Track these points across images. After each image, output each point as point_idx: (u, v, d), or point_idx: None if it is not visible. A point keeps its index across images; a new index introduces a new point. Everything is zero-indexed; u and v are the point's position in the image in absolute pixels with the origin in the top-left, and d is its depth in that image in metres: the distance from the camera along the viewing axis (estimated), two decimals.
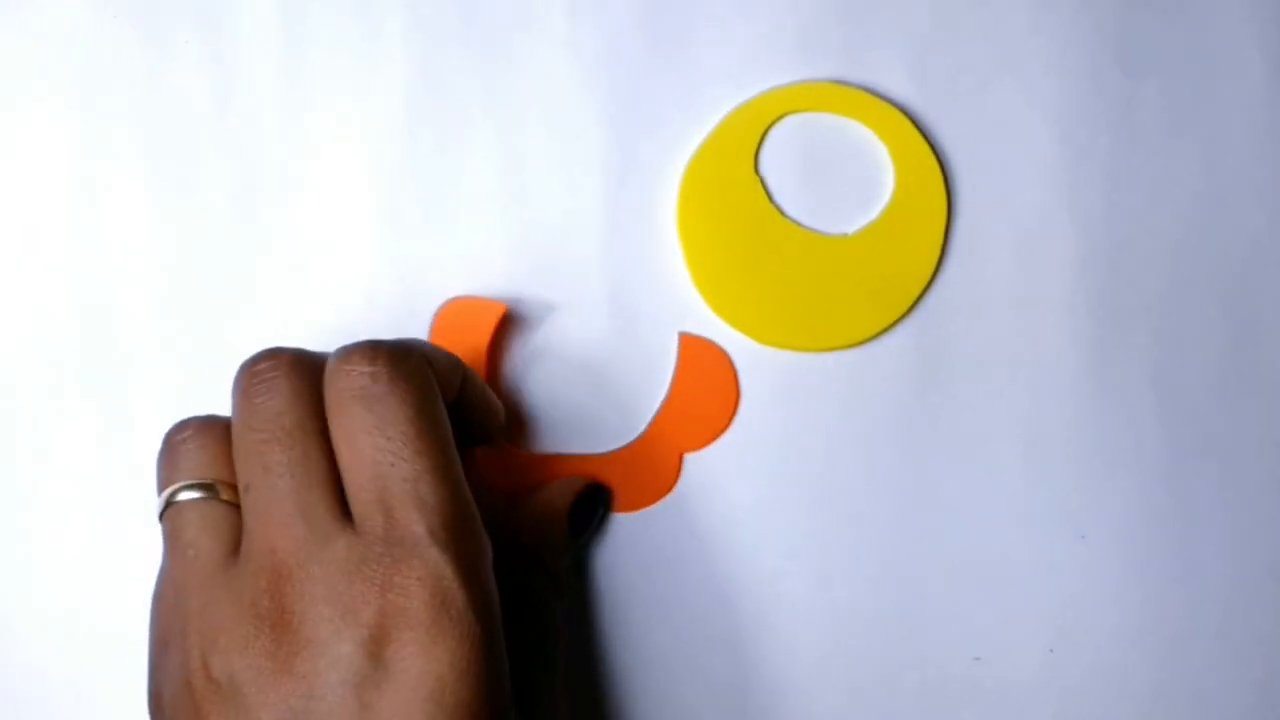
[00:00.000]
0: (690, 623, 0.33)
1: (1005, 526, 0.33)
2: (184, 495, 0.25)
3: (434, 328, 0.32)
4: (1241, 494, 0.33)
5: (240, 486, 0.25)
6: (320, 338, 0.32)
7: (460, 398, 0.28)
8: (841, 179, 0.33)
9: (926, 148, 0.33)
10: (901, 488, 0.33)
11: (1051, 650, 0.33)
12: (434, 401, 0.25)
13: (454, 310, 0.31)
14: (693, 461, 0.33)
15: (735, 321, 0.33)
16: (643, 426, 0.33)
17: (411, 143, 0.33)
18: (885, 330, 0.33)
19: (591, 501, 0.32)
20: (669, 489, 0.32)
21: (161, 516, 0.26)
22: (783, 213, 0.33)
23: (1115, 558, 0.33)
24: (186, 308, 0.32)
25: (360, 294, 0.32)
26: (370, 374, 0.24)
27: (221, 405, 0.31)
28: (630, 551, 0.33)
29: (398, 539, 0.24)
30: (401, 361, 0.25)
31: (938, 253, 0.33)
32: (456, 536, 0.24)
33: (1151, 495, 0.33)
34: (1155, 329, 0.33)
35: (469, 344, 0.31)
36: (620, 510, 0.32)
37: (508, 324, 0.32)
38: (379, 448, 0.24)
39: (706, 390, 0.32)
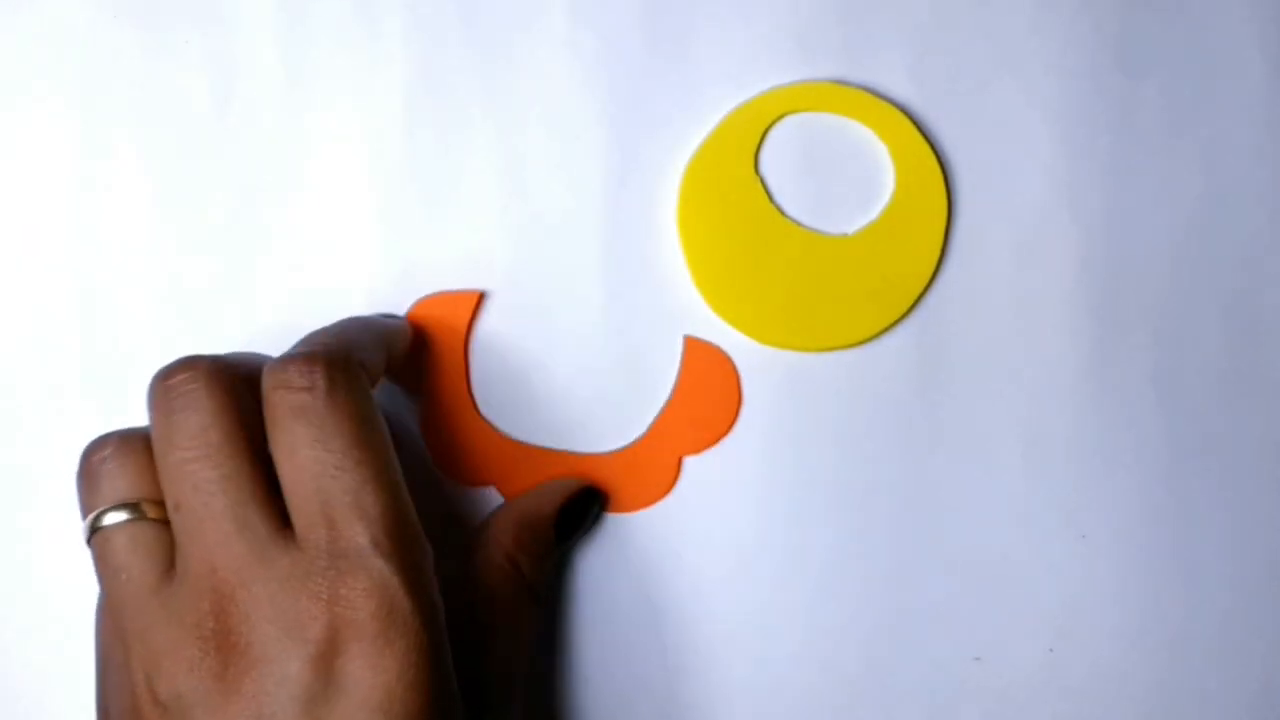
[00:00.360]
0: (686, 624, 0.33)
1: (1005, 526, 0.33)
2: (109, 519, 0.25)
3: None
4: (1241, 494, 0.33)
5: (169, 506, 0.24)
6: None
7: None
8: (841, 179, 0.33)
9: (926, 148, 0.33)
10: (901, 488, 0.33)
11: (1051, 650, 0.33)
12: (371, 408, 0.25)
13: (427, 307, 0.32)
14: (691, 462, 0.33)
15: (735, 321, 0.33)
16: (642, 427, 0.33)
17: (411, 143, 0.33)
18: (885, 330, 0.33)
19: (584, 504, 0.31)
20: (667, 491, 0.32)
21: (89, 541, 0.25)
22: (783, 213, 0.33)
23: (1115, 558, 0.33)
24: (187, 308, 0.32)
25: (360, 294, 0.32)
26: (308, 389, 0.24)
27: None
28: (627, 552, 0.33)
29: (341, 551, 0.23)
30: (339, 372, 0.25)
31: (938, 253, 0.33)
32: (400, 545, 0.24)
33: (1151, 495, 0.33)
34: (1155, 329, 0.33)
35: (447, 337, 0.31)
36: (616, 511, 0.32)
37: (501, 314, 0.32)
38: (320, 460, 0.24)
39: (709, 394, 0.32)
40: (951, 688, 0.33)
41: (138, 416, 0.32)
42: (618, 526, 0.33)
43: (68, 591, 0.32)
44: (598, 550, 0.33)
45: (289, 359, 0.25)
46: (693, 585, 0.33)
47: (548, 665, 0.33)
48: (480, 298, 0.32)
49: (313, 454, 0.24)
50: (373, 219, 0.33)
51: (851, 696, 0.33)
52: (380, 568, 0.23)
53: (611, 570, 0.33)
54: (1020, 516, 0.33)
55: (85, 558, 0.32)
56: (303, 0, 0.33)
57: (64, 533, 0.32)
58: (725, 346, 0.33)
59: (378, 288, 0.33)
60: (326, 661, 0.23)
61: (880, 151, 0.33)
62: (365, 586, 0.23)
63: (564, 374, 0.33)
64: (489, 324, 0.33)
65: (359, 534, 0.23)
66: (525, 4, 0.33)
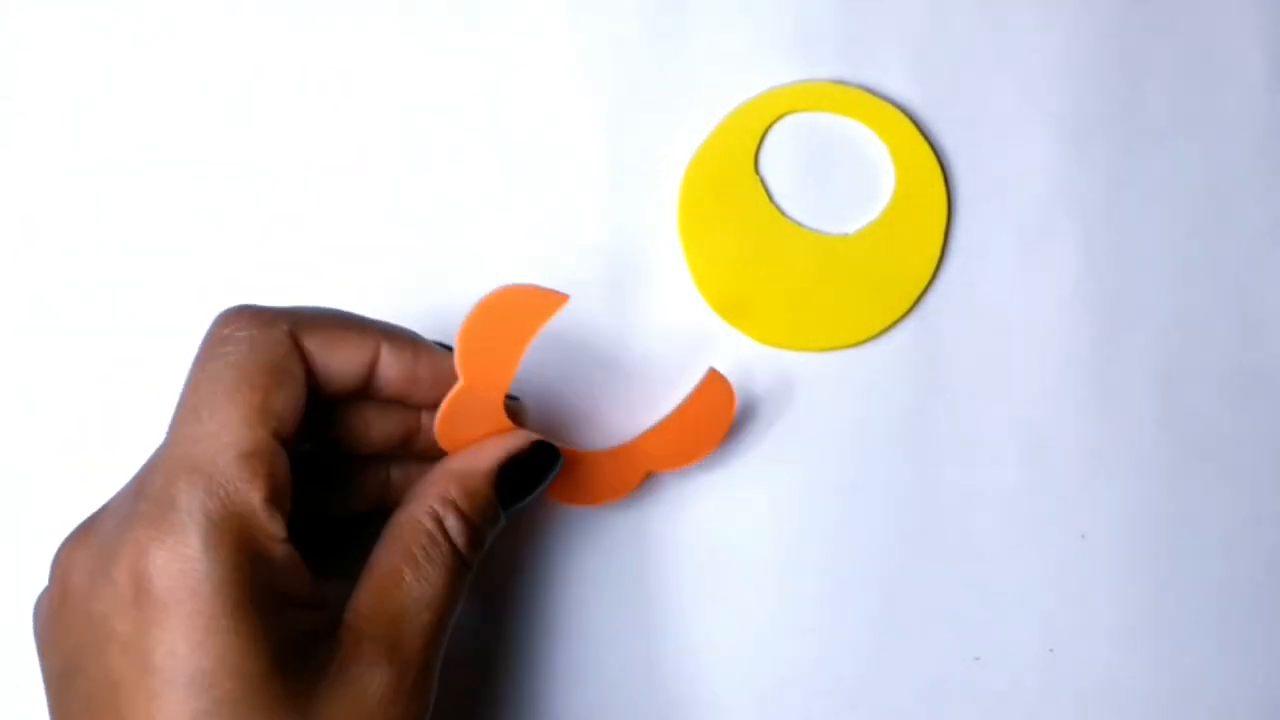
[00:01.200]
0: (674, 626, 0.33)
1: (1005, 526, 0.33)
2: None
3: (477, 310, 0.27)
4: (1241, 493, 0.33)
5: None
6: None
7: (377, 373, 0.27)
8: (841, 179, 0.33)
9: (926, 148, 0.33)
10: (901, 487, 0.33)
11: (1051, 650, 0.33)
12: (269, 374, 0.25)
13: (507, 297, 0.28)
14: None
15: (735, 321, 0.33)
16: (634, 425, 0.33)
17: (412, 143, 0.33)
18: (885, 330, 0.33)
19: (534, 463, 0.28)
20: (624, 496, 0.31)
21: None
22: (783, 213, 0.33)
23: (1115, 558, 0.33)
24: (186, 307, 0.32)
25: (360, 294, 0.32)
26: (219, 336, 0.25)
27: None
28: (635, 540, 0.33)
29: (155, 499, 0.24)
30: (262, 329, 0.25)
31: (938, 253, 0.33)
32: (217, 505, 0.23)
33: (1151, 495, 0.33)
34: (1155, 329, 0.33)
35: (513, 334, 0.28)
36: (576, 502, 0.31)
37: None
38: (191, 407, 0.25)
39: (701, 426, 0.31)
40: (951, 688, 0.33)
41: (139, 412, 0.32)
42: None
43: None
44: (575, 547, 0.33)
45: (235, 310, 0.26)
46: (692, 582, 0.33)
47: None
48: (563, 301, 0.28)
49: (189, 400, 0.25)
50: (372, 219, 0.33)
51: (851, 696, 0.33)
52: (180, 525, 0.23)
53: (610, 564, 0.33)
54: (1020, 516, 0.33)
55: None
56: (303, 1, 0.33)
57: (63, 533, 0.32)
58: (725, 346, 0.33)
59: (377, 288, 0.33)
60: (129, 602, 0.23)
61: (880, 151, 0.33)
62: (161, 542, 0.23)
63: (562, 375, 0.33)
64: None
65: (181, 490, 0.24)
66: (525, 4, 0.33)
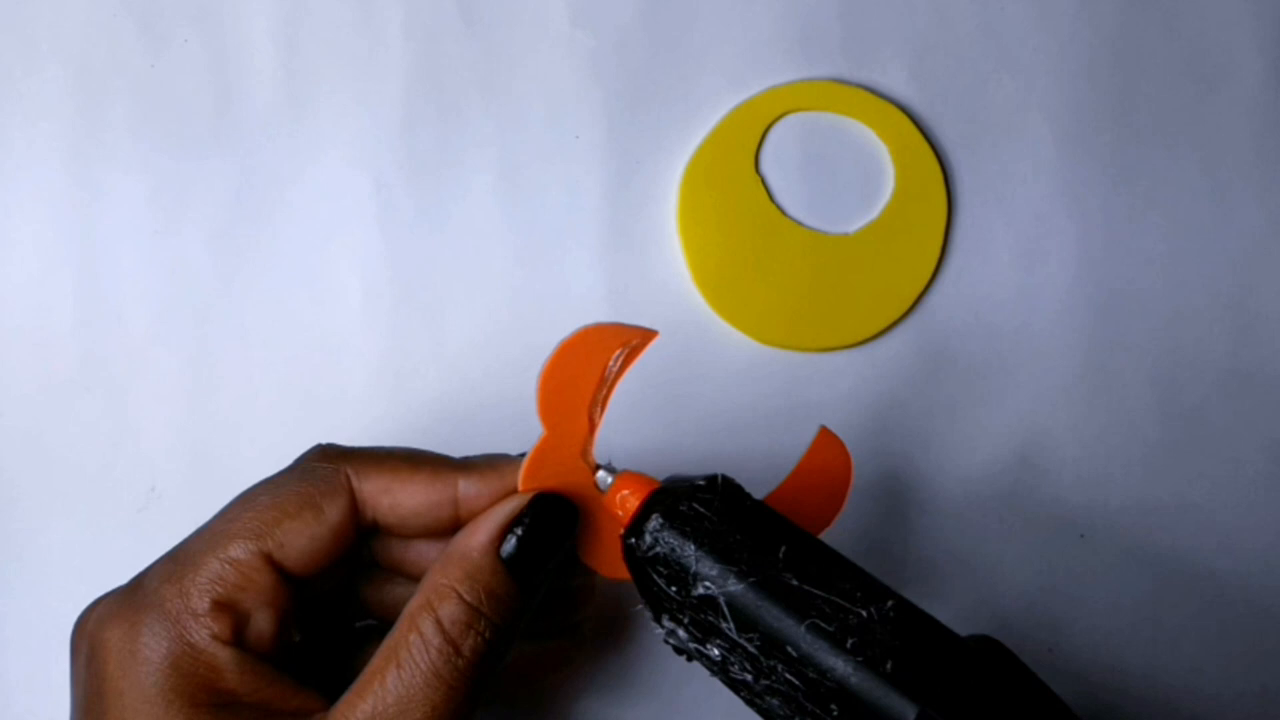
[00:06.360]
0: None
1: (1005, 526, 0.33)
2: None
3: (557, 353, 0.25)
4: (1241, 493, 0.33)
5: None
6: (317, 338, 0.32)
7: (462, 507, 0.25)
8: (842, 178, 0.33)
9: (927, 147, 0.33)
10: (900, 487, 0.33)
11: (1050, 650, 0.33)
12: (296, 498, 0.25)
13: (590, 338, 0.25)
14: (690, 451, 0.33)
15: (735, 321, 0.33)
16: (640, 428, 0.33)
17: (411, 143, 0.33)
18: (886, 330, 0.33)
19: (541, 523, 0.25)
20: None
21: None
22: (783, 212, 0.33)
23: (1115, 557, 0.33)
24: (185, 307, 0.32)
25: (359, 294, 0.32)
26: (295, 463, 0.26)
27: (220, 402, 0.31)
28: None
29: (141, 577, 0.25)
30: (316, 466, 0.26)
31: (938, 253, 0.33)
32: (169, 593, 0.24)
33: (1151, 495, 0.33)
34: (1154, 328, 0.33)
35: (599, 378, 0.25)
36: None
37: (501, 316, 0.32)
38: None
39: (820, 494, 0.27)
40: None
41: (134, 416, 0.32)
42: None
43: (68, 592, 0.32)
44: None
45: (317, 447, 0.27)
46: None
47: None
48: (652, 337, 0.25)
49: (229, 503, 0.26)
50: (372, 219, 0.33)
51: None
52: (138, 606, 0.24)
53: None
54: (1020, 516, 0.33)
55: (84, 559, 0.32)
56: (303, 0, 0.33)
57: (64, 533, 0.32)
58: (725, 346, 0.33)
59: (376, 288, 0.33)
60: (86, 665, 0.24)
61: (880, 151, 0.33)
62: (126, 619, 0.24)
63: None
64: (488, 326, 0.33)
65: (154, 574, 0.25)
66: (525, 4, 0.33)
